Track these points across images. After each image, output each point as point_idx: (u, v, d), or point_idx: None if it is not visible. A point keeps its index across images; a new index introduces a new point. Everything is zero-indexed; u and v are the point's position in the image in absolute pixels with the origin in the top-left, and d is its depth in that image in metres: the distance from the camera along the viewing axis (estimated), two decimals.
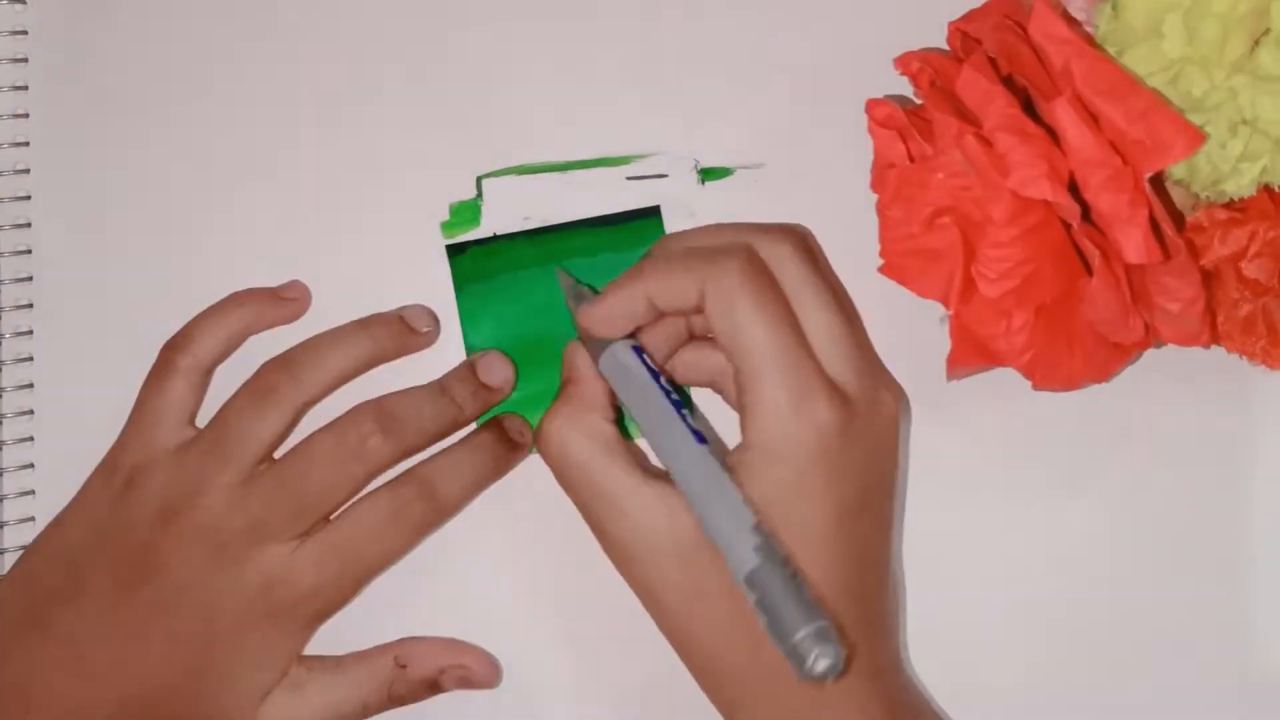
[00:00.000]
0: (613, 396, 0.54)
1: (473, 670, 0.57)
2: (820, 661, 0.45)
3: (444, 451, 0.56)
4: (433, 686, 0.56)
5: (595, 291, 0.56)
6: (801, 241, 0.53)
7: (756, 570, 0.47)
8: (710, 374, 0.56)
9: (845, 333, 0.52)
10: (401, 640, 0.57)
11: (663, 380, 0.52)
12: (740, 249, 0.52)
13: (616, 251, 0.59)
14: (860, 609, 0.52)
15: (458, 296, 0.59)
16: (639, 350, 0.53)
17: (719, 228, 0.56)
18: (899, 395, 0.54)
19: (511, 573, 0.58)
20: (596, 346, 0.54)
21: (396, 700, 0.56)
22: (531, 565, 0.58)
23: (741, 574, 0.48)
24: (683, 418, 0.51)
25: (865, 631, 0.52)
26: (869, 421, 0.52)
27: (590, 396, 0.53)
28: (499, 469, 0.57)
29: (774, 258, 0.52)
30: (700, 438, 0.51)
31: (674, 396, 0.52)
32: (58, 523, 0.56)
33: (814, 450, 0.50)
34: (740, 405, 0.51)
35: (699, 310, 0.52)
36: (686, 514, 0.51)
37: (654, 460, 0.53)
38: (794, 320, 0.51)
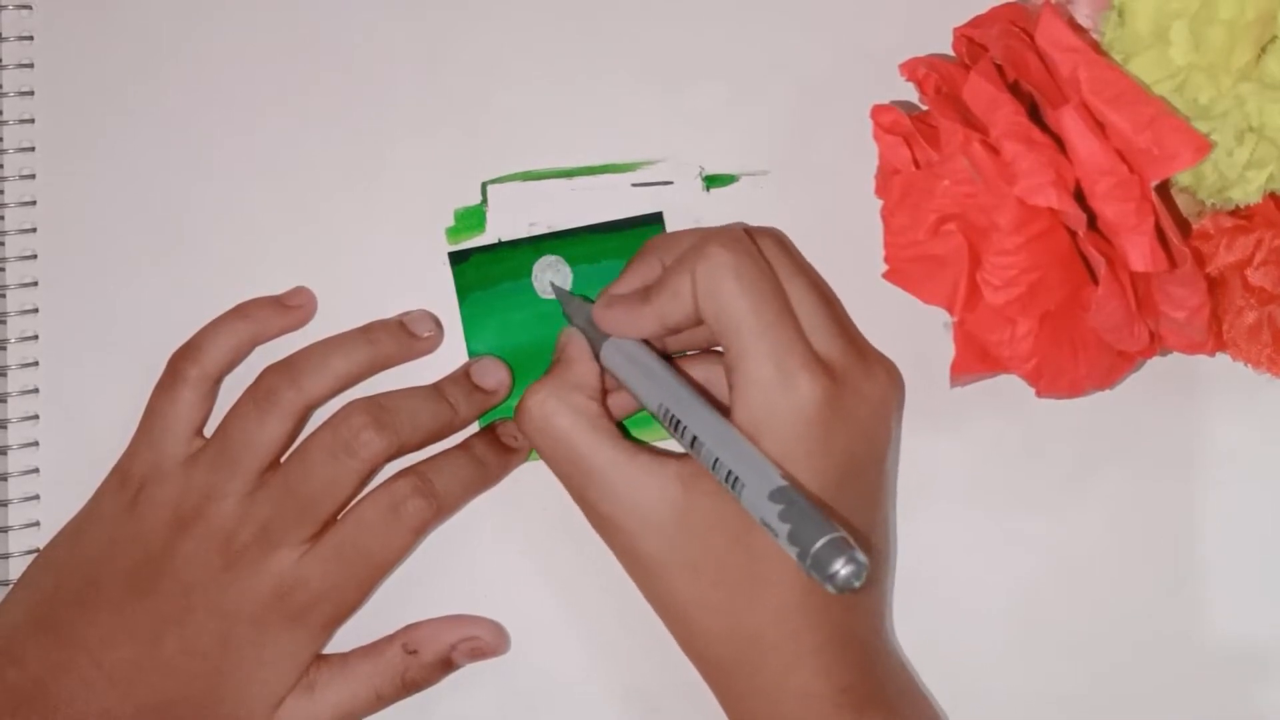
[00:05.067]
0: (602, 383, 0.54)
1: (483, 640, 0.57)
2: (844, 568, 0.46)
3: (439, 452, 0.57)
4: (446, 665, 0.57)
5: (590, 301, 0.56)
6: (778, 234, 0.55)
7: (770, 497, 0.48)
8: (699, 383, 0.56)
9: (829, 311, 0.53)
10: (406, 627, 0.57)
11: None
12: (721, 233, 0.53)
13: (619, 258, 0.59)
14: None
15: (460, 304, 0.59)
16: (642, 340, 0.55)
17: (700, 228, 0.57)
18: (892, 369, 0.55)
19: (517, 572, 0.58)
20: (599, 338, 0.55)
21: (411, 686, 0.56)
22: (537, 565, 0.58)
23: (758, 505, 0.48)
24: (694, 390, 0.52)
25: (843, 602, 0.52)
26: (858, 394, 0.52)
27: (578, 375, 0.54)
28: (494, 473, 0.57)
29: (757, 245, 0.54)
30: (708, 401, 0.52)
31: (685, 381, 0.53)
32: (69, 532, 0.57)
33: (796, 425, 0.51)
34: (728, 384, 0.52)
35: (699, 321, 0.53)
36: (672, 484, 0.52)
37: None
38: (781, 295, 0.52)
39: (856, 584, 0.46)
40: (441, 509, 0.56)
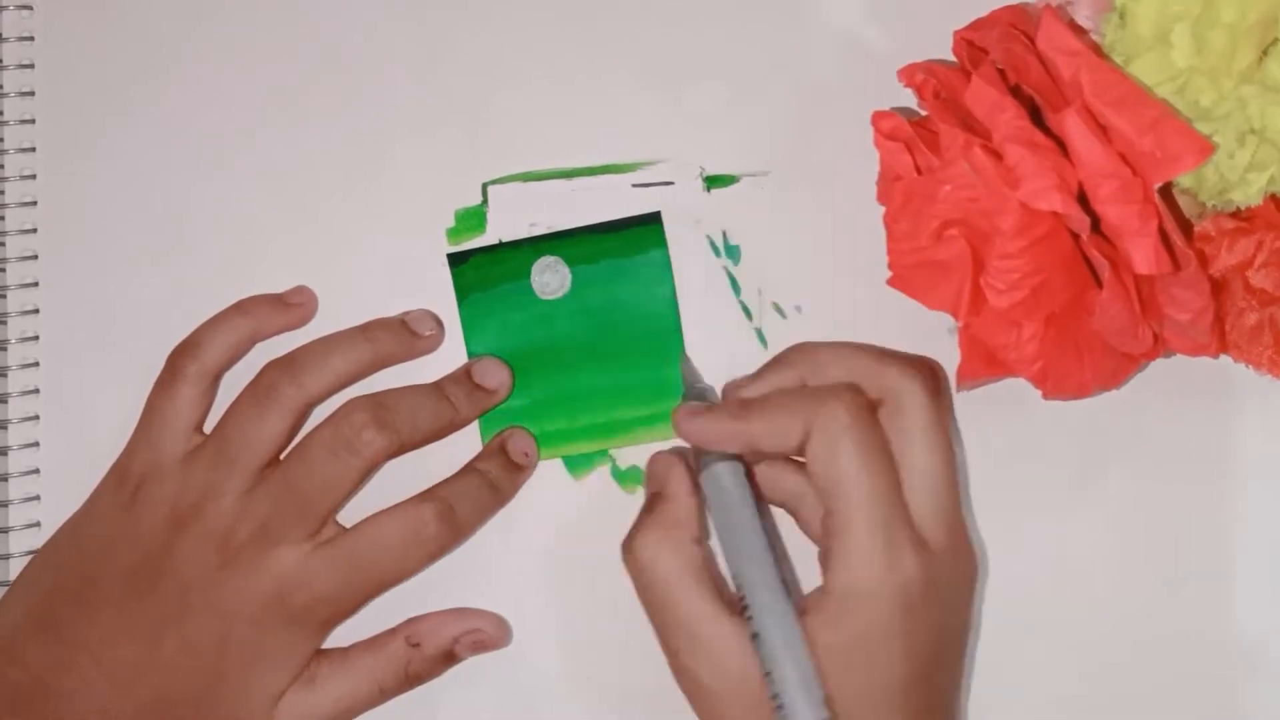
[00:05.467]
0: (703, 518, 0.53)
1: (486, 632, 0.57)
2: None
3: (459, 475, 0.57)
4: (448, 658, 0.57)
5: (712, 390, 0.56)
6: (932, 378, 0.52)
7: None
8: (785, 495, 0.55)
9: (946, 485, 0.51)
10: (409, 620, 0.57)
11: (762, 517, 0.52)
12: (846, 391, 0.51)
13: (617, 258, 0.59)
14: None
15: (460, 306, 0.59)
16: (743, 474, 0.53)
17: (852, 351, 0.54)
18: (974, 551, 0.53)
19: (519, 569, 0.58)
20: (701, 458, 0.53)
21: (414, 679, 0.56)
22: (539, 562, 0.58)
23: None
24: (774, 563, 0.51)
25: None
26: (950, 576, 0.51)
27: (683, 514, 0.52)
28: (506, 495, 0.57)
29: (898, 391, 0.51)
30: (786, 589, 0.50)
31: (769, 537, 0.52)
32: (68, 530, 0.57)
33: (896, 603, 0.49)
34: (826, 548, 0.50)
35: (798, 452, 0.51)
36: (757, 655, 0.50)
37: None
38: (893, 469, 0.50)
39: None
40: (458, 537, 0.56)
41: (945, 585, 0.51)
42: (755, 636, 0.49)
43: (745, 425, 0.52)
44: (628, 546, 0.52)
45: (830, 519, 0.50)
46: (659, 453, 0.54)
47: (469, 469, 0.57)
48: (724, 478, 0.52)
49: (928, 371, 0.52)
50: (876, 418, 0.51)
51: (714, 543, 0.53)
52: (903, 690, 0.50)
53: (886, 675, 0.49)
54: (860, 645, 0.49)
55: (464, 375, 0.58)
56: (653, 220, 0.59)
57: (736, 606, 0.51)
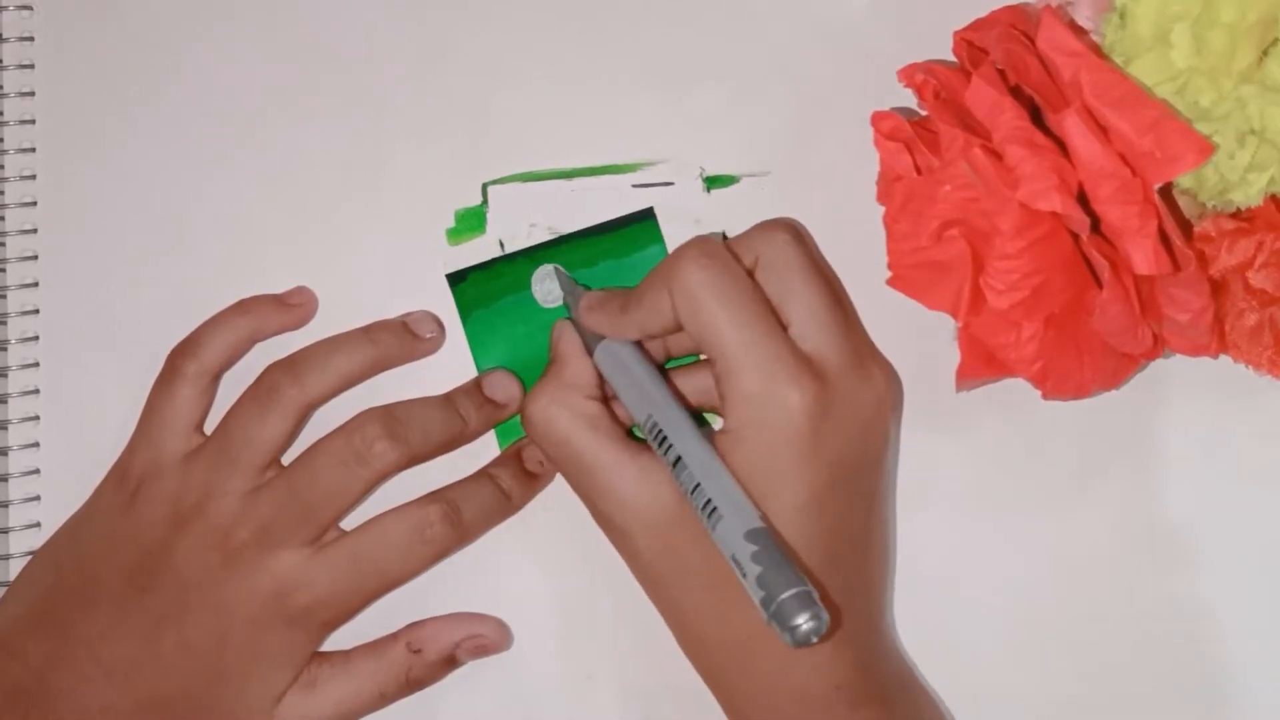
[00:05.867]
0: (599, 377, 0.54)
1: (487, 637, 0.57)
2: (807, 623, 0.46)
3: (469, 479, 0.57)
4: (450, 663, 0.57)
5: (588, 288, 0.57)
6: (791, 227, 0.54)
7: (746, 536, 0.48)
8: (702, 392, 0.56)
9: (831, 312, 0.53)
10: (410, 625, 0.57)
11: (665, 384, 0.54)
12: (691, 249, 0.52)
13: (615, 258, 0.59)
14: (834, 579, 0.52)
15: (464, 324, 0.59)
16: (637, 346, 0.55)
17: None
18: (889, 371, 0.54)
19: (519, 571, 0.58)
20: (592, 337, 0.55)
21: (415, 684, 0.56)
22: (539, 563, 0.58)
23: (731, 541, 0.49)
24: (681, 406, 0.52)
25: (838, 601, 0.52)
26: (852, 398, 0.52)
27: (576, 374, 0.54)
28: (517, 503, 0.57)
29: (763, 248, 0.53)
30: (695, 423, 0.52)
31: (672, 394, 0.53)
32: (68, 529, 0.57)
33: (786, 434, 0.51)
34: (720, 395, 0.52)
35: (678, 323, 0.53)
36: (667, 486, 0.52)
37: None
38: (761, 304, 0.52)
39: (814, 640, 0.46)
40: (463, 539, 0.56)
41: (844, 409, 0.52)
42: (677, 463, 0.51)
43: (629, 316, 0.54)
44: (524, 410, 0.54)
45: (714, 369, 0.52)
46: (558, 321, 0.56)
47: (481, 474, 0.57)
48: (616, 349, 0.54)
49: (784, 224, 0.55)
50: (733, 264, 0.53)
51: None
52: (799, 512, 0.51)
53: (781, 501, 0.51)
54: (755, 475, 0.51)
55: (474, 388, 0.58)
56: (647, 216, 0.59)
57: (642, 448, 0.53)
